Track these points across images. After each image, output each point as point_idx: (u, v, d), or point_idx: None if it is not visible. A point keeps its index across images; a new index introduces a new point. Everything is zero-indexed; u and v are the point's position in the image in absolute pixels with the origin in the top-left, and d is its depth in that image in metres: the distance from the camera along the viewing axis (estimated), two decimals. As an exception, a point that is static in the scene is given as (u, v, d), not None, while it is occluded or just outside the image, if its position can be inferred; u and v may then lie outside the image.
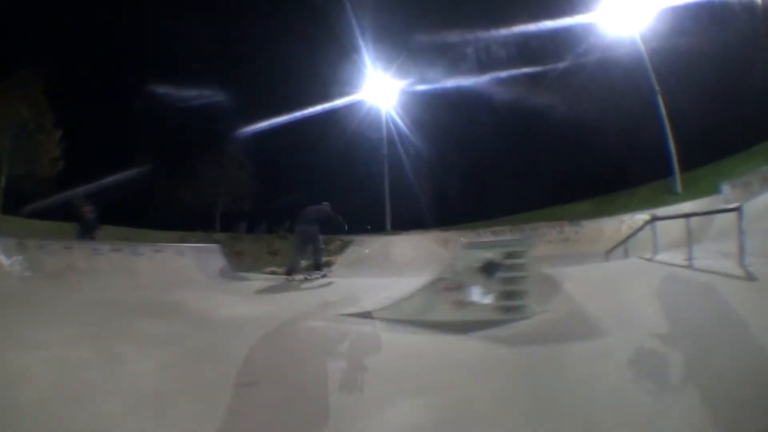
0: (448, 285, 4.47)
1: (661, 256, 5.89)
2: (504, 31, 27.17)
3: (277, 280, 12.20)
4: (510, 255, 4.48)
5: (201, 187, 30.16)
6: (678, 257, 5.28)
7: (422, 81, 28.72)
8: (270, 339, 4.11)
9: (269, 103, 30.89)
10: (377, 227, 26.66)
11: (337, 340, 4.08)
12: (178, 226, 23.68)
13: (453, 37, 28.91)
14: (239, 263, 15.35)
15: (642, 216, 16.31)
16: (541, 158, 29.04)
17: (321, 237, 9.13)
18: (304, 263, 9.88)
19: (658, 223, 6.93)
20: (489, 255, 4.53)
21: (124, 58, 30.34)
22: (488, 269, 4.46)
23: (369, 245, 20.90)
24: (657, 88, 20.37)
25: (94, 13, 29.17)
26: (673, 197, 18.53)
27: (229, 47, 31.69)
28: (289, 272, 9.03)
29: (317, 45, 29.18)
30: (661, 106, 20.19)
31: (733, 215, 4.40)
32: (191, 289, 6.83)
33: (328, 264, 12.84)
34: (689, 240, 5.15)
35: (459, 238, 20.76)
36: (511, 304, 4.31)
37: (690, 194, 17.54)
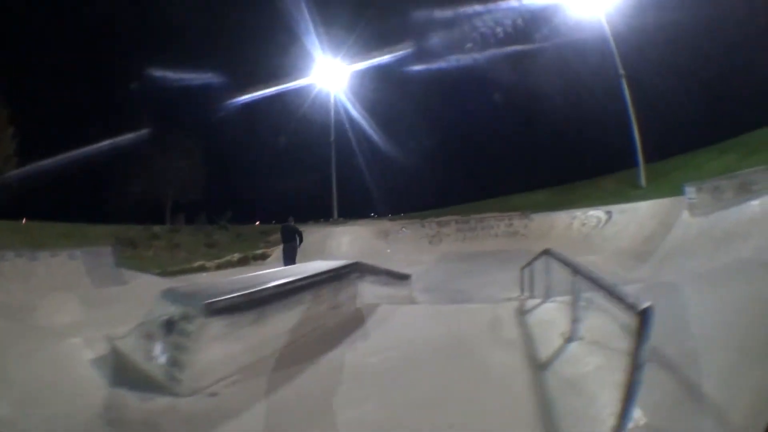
0: (147, 331, 3.50)
1: (549, 309, 3.39)
2: (459, 13, 24.61)
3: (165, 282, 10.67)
4: (185, 316, 3.26)
5: (148, 178, 27.31)
6: (562, 321, 2.77)
7: (373, 65, 26.16)
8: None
9: (216, 90, 28.57)
10: (325, 214, 25.25)
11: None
12: (130, 218, 23.16)
13: (404, 20, 26.18)
14: (134, 262, 14.23)
15: (595, 212, 14.14)
16: (499, 145, 26.73)
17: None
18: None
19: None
20: (171, 310, 3.37)
21: (72, 53, 27.24)
22: (168, 326, 3.35)
23: (309, 236, 18.88)
24: (622, 71, 17.90)
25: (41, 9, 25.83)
26: (636, 192, 16.31)
27: (177, 34, 28.61)
28: None
29: (265, 30, 26.47)
30: (625, 90, 17.76)
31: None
32: (57, 295, 7.09)
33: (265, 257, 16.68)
34: (576, 305, 2.62)
35: (402, 228, 18.72)
36: (172, 372, 3.12)
37: (654, 189, 15.29)
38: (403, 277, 7.00)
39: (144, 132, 26.89)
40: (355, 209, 26.23)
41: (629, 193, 16.60)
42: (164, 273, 13.05)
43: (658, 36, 19.15)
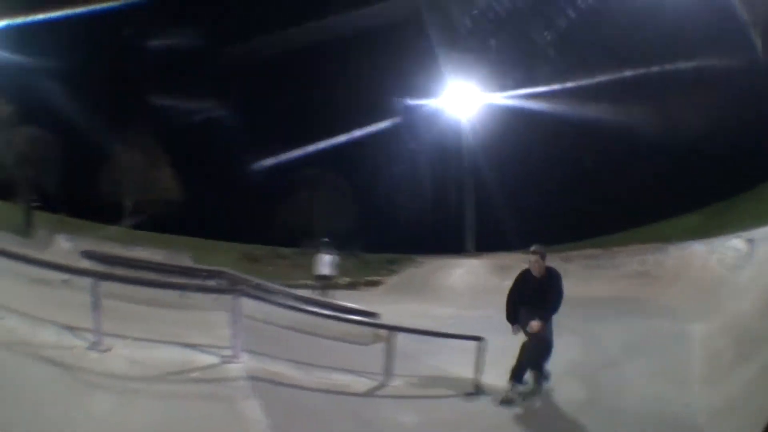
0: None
1: None
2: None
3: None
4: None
5: (292, 208, 28.48)
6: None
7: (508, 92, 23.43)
8: None
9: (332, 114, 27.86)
10: (453, 247, 22.67)
11: None
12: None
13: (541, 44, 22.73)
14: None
15: (734, 242, 10.06)
16: (640, 163, 21.96)
17: None
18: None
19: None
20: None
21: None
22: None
23: (420, 267, 19.61)
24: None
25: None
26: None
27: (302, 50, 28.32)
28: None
29: (392, 50, 24.64)
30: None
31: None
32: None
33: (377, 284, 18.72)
34: None
35: (522, 265, 16.35)
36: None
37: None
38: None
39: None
40: (483, 241, 23.73)
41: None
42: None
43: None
